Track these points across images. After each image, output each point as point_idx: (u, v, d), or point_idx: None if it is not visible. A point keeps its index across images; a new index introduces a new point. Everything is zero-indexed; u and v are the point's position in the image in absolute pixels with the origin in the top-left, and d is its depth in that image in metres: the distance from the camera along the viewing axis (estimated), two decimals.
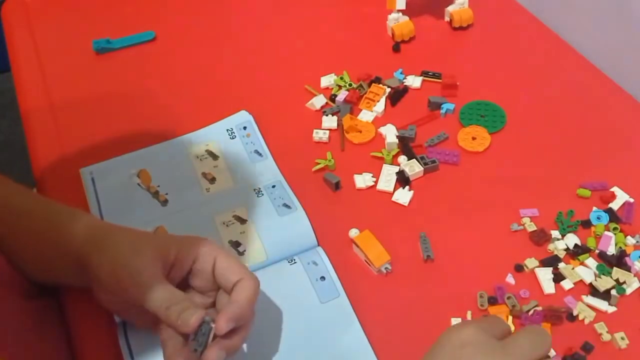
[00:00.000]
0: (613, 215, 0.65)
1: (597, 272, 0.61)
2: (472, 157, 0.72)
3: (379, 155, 0.72)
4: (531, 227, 0.65)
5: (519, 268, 0.62)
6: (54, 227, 0.55)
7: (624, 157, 0.72)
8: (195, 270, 0.53)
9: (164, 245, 0.52)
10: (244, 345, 0.55)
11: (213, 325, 0.48)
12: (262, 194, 0.67)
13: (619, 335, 0.57)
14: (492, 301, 0.59)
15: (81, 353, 0.57)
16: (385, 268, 0.61)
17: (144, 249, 0.51)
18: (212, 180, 0.69)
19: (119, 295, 0.51)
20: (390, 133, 0.73)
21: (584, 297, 0.59)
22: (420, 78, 0.80)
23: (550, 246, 0.63)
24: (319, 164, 0.71)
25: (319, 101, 0.78)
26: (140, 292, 0.49)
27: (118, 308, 0.55)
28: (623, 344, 0.56)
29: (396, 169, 0.70)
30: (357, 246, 0.62)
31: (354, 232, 0.64)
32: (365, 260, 0.62)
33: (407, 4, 0.84)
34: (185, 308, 0.48)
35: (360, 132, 0.74)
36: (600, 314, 0.58)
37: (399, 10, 0.85)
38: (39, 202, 0.59)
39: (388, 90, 0.79)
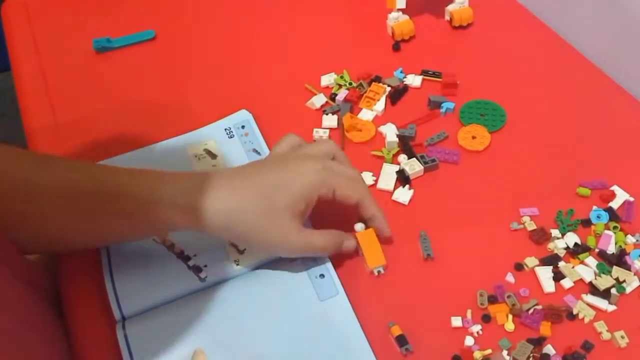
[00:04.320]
0: (613, 214, 0.65)
1: (597, 270, 0.61)
2: (472, 156, 0.72)
3: (379, 154, 0.72)
4: (531, 225, 0.65)
5: (519, 267, 0.62)
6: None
7: (624, 156, 0.72)
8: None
9: (296, 207, 0.56)
10: (242, 343, 0.55)
11: None
12: None
13: (618, 334, 0.56)
14: (492, 300, 0.59)
15: (80, 350, 0.57)
16: (378, 271, 0.61)
17: (283, 222, 0.56)
18: None
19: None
20: (390, 132, 0.73)
21: (583, 295, 0.59)
22: (420, 77, 0.80)
23: (550, 245, 0.63)
24: None
25: (319, 100, 0.78)
26: (299, 254, 0.59)
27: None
28: (623, 343, 0.56)
29: (396, 167, 0.70)
30: (357, 242, 0.62)
31: (359, 227, 0.64)
32: (362, 255, 0.62)
33: (407, 3, 0.84)
34: (343, 240, 0.60)
35: (360, 131, 0.74)
36: (600, 313, 0.58)
37: (399, 9, 0.85)
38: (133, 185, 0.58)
39: (388, 89, 0.79)
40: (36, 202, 0.56)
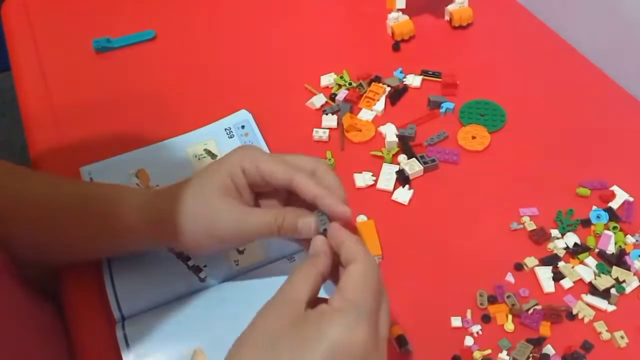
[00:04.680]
0: (613, 214, 0.65)
1: (596, 271, 0.61)
2: (472, 156, 0.72)
3: (379, 154, 0.72)
4: (531, 226, 0.65)
5: (519, 267, 0.62)
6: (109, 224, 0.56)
7: (624, 156, 0.72)
8: (251, 183, 0.53)
9: (223, 179, 0.52)
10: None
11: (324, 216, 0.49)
12: None
13: (618, 334, 0.56)
14: (492, 300, 0.59)
15: (80, 350, 0.57)
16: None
17: (213, 199, 0.52)
18: None
19: (218, 245, 0.54)
20: (390, 132, 0.73)
21: (583, 295, 0.59)
22: (420, 77, 0.80)
23: (550, 245, 0.63)
24: None
25: (318, 100, 0.78)
26: (240, 236, 0.52)
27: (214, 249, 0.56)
28: (622, 343, 0.56)
29: (396, 168, 0.70)
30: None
31: (360, 218, 0.65)
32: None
33: (406, 3, 0.84)
34: (294, 217, 0.50)
35: (360, 131, 0.74)
36: (599, 313, 0.58)
37: (398, 9, 0.85)
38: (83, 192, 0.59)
39: (388, 89, 0.79)
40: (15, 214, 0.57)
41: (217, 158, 0.70)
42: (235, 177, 0.52)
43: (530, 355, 0.55)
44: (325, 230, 0.49)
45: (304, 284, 0.45)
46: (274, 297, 0.45)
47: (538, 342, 0.56)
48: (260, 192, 0.54)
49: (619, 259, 0.61)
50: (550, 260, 0.62)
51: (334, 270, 0.48)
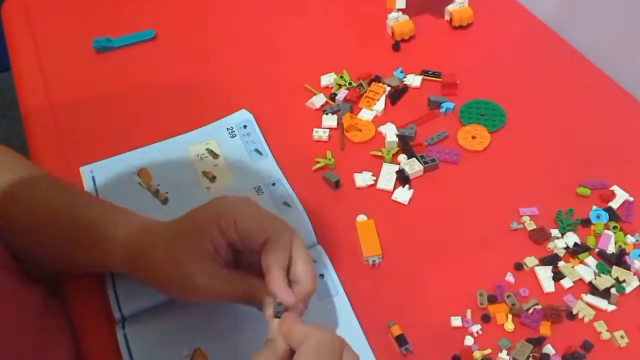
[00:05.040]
0: (613, 214, 0.65)
1: (596, 270, 0.61)
2: (472, 156, 0.72)
3: (379, 154, 0.72)
4: (531, 225, 0.65)
5: (519, 266, 0.62)
6: (92, 243, 0.55)
7: (624, 155, 0.72)
8: (231, 242, 0.51)
9: (200, 240, 0.50)
10: (242, 343, 0.55)
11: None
12: (263, 192, 0.67)
13: (618, 333, 0.57)
14: (492, 300, 0.59)
15: (81, 350, 0.57)
16: (373, 261, 0.62)
17: (185, 260, 0.50)
18: (213, 179, 0.69)
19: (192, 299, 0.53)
20: (390, 132, 0.73)
21: (583, 295, 0.59)
22: (420, 77, 0.80)
23: (550, 245, 0.63)
24: (319, 162, 0.71)
25: (319, 100, 0.78)
26: (210, 299, 0.52)
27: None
28: (622, 343, 0.56)
29: (396, 167, 0.70)
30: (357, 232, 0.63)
31: (360, 218, 0.65)
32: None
33: (407, 3, 0.84)
34: (261, 295, 0.49)
35: (360, 130, 0.74)
36: (599, 313, 0.58)
37: (398, 9, 0.85)
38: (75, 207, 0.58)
39: (388, 89, 0.79)
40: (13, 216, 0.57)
41: (219, 157, 0.71)
42: (213, 238, 0.50)
43: (530, 355, 0.55)
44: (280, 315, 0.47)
45: None
46: None
47: (538, 341, 0.56)
48: (240, 249, 0.52)
49: (619, 259, 0.61)
50: (550, 260, 0.62)
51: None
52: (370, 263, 0.62)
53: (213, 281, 0.50)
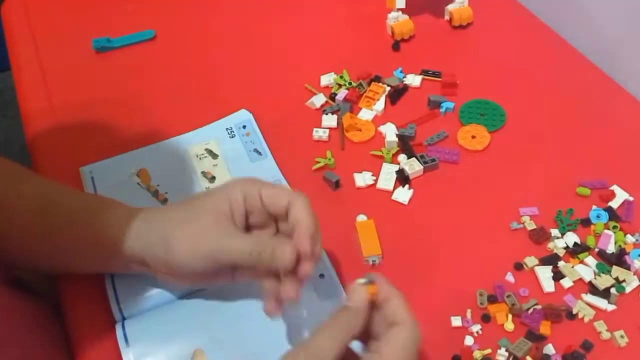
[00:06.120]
0: (613, 214, 0.65)
1: (596, 270, 0.61)
2: (472, 155, 0.72)
3: (379, 153, 0.72)
4: (531, 225, 0.65)
5: (519, 266, 0.62)
6: (97, 233, 0.55)
7: (624, 155, 0.72)
8: (249, 209, 0.53)
9: (220, 205, 0.53)
10: (242, 343, 0.55)
11: None
12: None
13: (618, 333, 0.57)
14: (492, 300, 0.59)
15: (80, 350, 0.57)
16: (373, 261, 0.62)
17: (202, 219, 0.52)
18: (212, 179, 0.69)
19: (197, 274, 0.53)
20: (390, 132, 0.73)
21: (583, 295, 0.59)
22: (420, 77, 0.80)
23: (550, 244, 0.63)
24: (318, 162, 0.71)
25: (318, 100, 0.78)
26: (220, 258, 0.52)
27: (190, 281, 0.56)
28: (622, 342, 0.56)
29: (396, 167, 0.70)
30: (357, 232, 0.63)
31: (360, 218, 0.65)
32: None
33: (406, 2, 0.84)
34: (275, 247, 0.50)
35: (360, 130, 0.74)
36: (599, 312, 0.58)
37: (398, 9, 0.85)
38: (76, 201, 0.59)
39: (388, 89, 0.79)
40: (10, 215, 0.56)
41: (218, 158, 0.71)
42: (234, 201, 0.53)
43: (527, 350, 0.55)
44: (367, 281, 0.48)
45: (331, 347, 0.44)
46: (297, 353, 0.45)
47: (537, 338, 0.56)
48: (252, 224, 0.54)
49: (619, 259, 0.61)
50: (550, 259, 0.62)
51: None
52: (370, 263, 0.62)
53: (226, 235, 0.52)
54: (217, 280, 0.54)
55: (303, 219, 0.51)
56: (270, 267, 0.51)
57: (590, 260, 0.62)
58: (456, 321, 0.58)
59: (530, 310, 0.58)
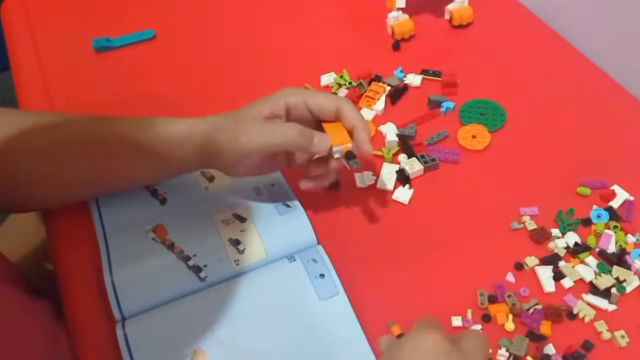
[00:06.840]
0: (613, 214, 0.65)
1: (597, 270, 0.61)
2: (472, 155, 0.72)
3: (379, 153, 0.72)
4: (531, 225, 0.65)
5: (519, 266, 0.62)
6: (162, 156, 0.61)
7: (624, 155, 0.72)
8: (294, 119, 0.60)
9: (261, 108, 0.59)
10: (242, 343, 0.55)
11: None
12: (262, 193, 0.67)
13: (619, 333, 0.56)
14: (492, 299, 0.59)
15: (80, 350, 0.57)
16: (343, 151, 0.60)
17: (243, 117, 0.60)
18: (211, 179, 0.69)
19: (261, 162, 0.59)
20: (390, 131, 0.73)
21: (584, 295, 0.59)
22: (420, 76, 0.80)
23: (551, 244, 0.63)
24: None
25: None
26: (265, 148, 0.58)
27: (250, 171, 0.61)
28: (623, 342, 0.56)
29: (396, 167, 0.70)
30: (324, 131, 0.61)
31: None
32: (341, 157, 0.60)
33: (407, 2, 0.84)
34: (312, 134, 0.58)
35: None
36: (600, 312, 0.58)
37: (398, 9, 0.85)
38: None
39: (388, 88, 0.79)
40: (57, 156, 0.60)
41: None
42: (275, 105, 0.59)
43: (527, 349, 0.55)
44: None
45: None
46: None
47: (536, 337, 0.56)
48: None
49: (620, 259, 0.61)
50: (551, 259, 0.62)
51: None
52: (341, 156, 0.60)
53: (268, 126, 0.58)
54: (274, 168, 0.64)
55: (357, 122, 0.59)
56: (310, 152, 0.59)
57: (591, 260, 0.62)
58: (456, 321, 0.58)
59: (531, 310, 0.58)
